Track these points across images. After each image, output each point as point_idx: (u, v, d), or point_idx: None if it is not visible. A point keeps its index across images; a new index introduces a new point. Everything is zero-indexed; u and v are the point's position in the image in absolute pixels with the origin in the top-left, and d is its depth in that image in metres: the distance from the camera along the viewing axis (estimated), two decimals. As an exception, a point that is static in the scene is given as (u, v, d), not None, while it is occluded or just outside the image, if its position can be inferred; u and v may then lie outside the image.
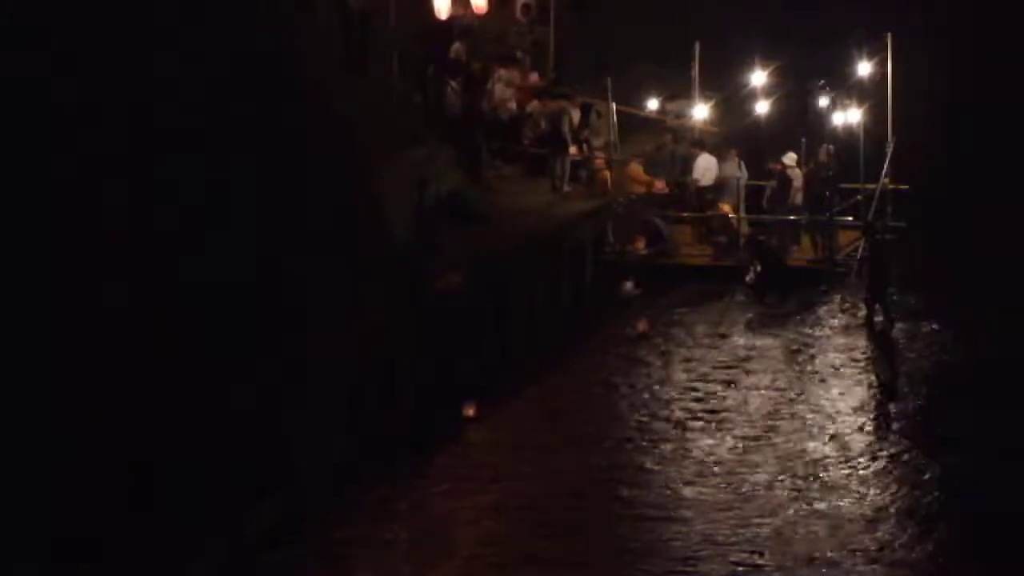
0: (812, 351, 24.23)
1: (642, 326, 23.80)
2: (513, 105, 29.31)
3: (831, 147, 29.03)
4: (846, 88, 30.98)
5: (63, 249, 16.13)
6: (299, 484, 17.94)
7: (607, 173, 29.20)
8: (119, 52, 17.57)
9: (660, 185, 29.18)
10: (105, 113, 17.12)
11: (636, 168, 29.44)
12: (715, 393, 22.07)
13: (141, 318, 16.66)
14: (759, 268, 27.63)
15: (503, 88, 29.31)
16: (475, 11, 29.69)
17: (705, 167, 29.24)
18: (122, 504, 15.63)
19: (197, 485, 16.44)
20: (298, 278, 19.35)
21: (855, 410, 21.46)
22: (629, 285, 26.79)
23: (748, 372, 23.14)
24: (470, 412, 20.17)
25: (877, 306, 25.57)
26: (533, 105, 29.41)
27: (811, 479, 18.94)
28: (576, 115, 29.55)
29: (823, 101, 31.45)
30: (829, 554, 16.83)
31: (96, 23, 17.43)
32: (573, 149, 29.06)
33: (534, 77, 29.82)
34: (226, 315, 17.79)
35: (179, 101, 18.12)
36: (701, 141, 29.95)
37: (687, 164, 29.51)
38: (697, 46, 30.00)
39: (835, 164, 28.84)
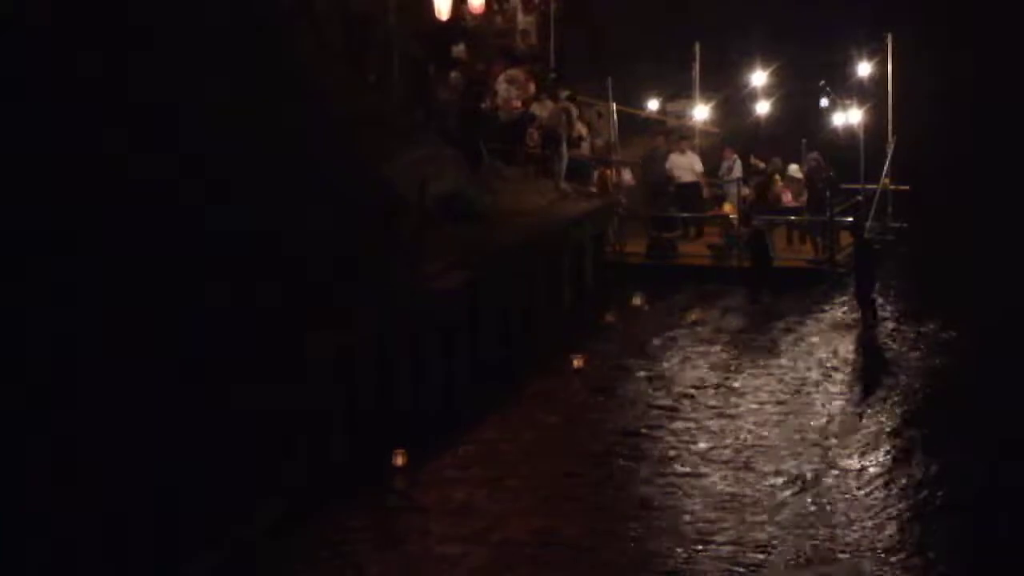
0: (807, 353, 24.20)
1: (577, 362, 23.50)
2: (519, 104, 29.34)
3: (816, 155, 29.07)
4: (846, 88, 30.97)
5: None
6: (298, 484, 17.95)
7: (608, 173, 29.20)
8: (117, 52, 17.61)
9: (788, 199, 28.92)
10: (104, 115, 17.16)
11: (778, 181, 29.16)
12: (706, 404, 22.02)
13: (138, 315, 16.67)
14: (749, 263, 27.56)
15: (508, 87, 29.34)
16: (473, 11, 29.72)
17: (686, 166, 29.22)
18: (122, 504, 15.65)
19: (196, 484, 16.46)
20: (298, 278, 19.35)
21: (850, 413, 21.47)
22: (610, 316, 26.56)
23: (743, 375, 23.19)
24: (399, 461, 19.13)
25: (869, 308, 25.58)
26: (535, 106, 29.46)
27: (808, 478, 19.01)
28: (575, 115, 29.58)
29: (823, 101, 31.44)
30: (825, 549, 16.92)
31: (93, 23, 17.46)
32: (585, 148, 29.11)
33: (531, 87, 29.86)
34: (226, 314, 17.80)
35: (178, 102, 18.14)
36: (676, 137, 29.88)
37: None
38: (697, 46, 29.99)
39: (827, 168, 28.88)
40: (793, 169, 29.08)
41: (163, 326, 16.90)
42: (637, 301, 26.72)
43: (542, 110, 29.32)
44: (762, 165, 29.49)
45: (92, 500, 15.33)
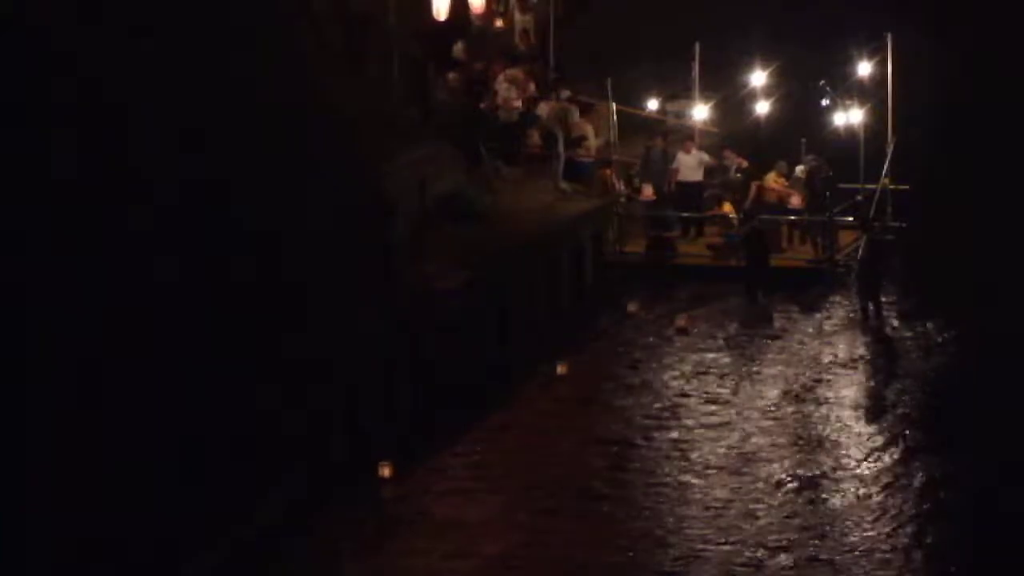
0: (806, 353, 24.21)
1: (561, 369, 23.44)
2: (519, 104, 29.34)
3: (813, 156, 29.12)
4: (846, 88, 30.96)
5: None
6: (298, 484, 17.95)
7: (608, 173, 29.20)
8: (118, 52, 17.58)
9: (796, 201, 28.89)
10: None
11: (775, 178, 29.09)
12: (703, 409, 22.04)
13: (139, 316, 16.66)
14: (745, 263, 27.53)
15: (508, 87, 29.34)
16: (473, 11, 29.73)
17: (693, 165, 29.26)
18: (122, 504, 15.65)
19: (196, 484, 16.46)
20: (298, 278, 19.35)
21: (849, 414, 21.47)
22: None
23: (741, 375, 23.19)
24: (386, 472, 18.92)
25: (871, 305, 25.61)
26: (540, 107, 29.48)
27: (809, 477, 19.01)
28: (576, 115, 29.61)
29: (823, 101, 31.44)
30: (824, 551, 16.91)
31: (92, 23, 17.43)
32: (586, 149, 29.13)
33: (531, 87, 29.87)
34: (226, 314, 17.80)
35: (178, 100, 18.11)
36: (681, 137, 29.89)
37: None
38: (697, 46, 30.01)
39: (826, 169, 28.90)
40: (799, 170, 29.10)
41: (162, 326, 16.89)
42: (635, 302, 26.71)
43: (543, 110, 29.32)
44: (744, 164, 29.50)
45: (92, 500, 15.33)
